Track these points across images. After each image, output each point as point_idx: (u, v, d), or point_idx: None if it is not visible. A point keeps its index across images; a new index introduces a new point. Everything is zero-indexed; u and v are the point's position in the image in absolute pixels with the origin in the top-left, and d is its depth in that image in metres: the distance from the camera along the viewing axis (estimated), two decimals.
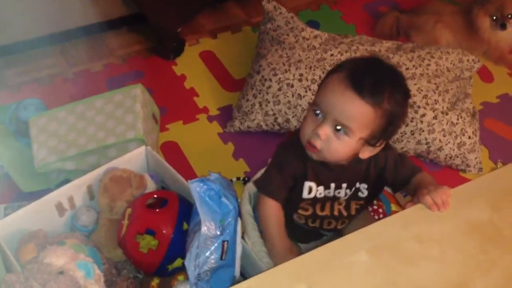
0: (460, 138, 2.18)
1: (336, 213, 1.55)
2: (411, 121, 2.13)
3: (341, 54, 2.23)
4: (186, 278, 1.45)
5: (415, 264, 1.22)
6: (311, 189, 1.48)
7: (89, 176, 1.66)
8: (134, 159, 1.73)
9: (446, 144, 2.16)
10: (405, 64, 2.21)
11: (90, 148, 1.94)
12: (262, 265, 1.42)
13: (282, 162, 1.48)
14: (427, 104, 2.15)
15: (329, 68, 1.44)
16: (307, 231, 1.60)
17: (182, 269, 1.45)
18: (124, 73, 2.55)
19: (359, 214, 1.60)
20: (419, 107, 2.14)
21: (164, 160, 1.73)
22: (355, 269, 1.20)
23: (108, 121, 1.99)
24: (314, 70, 2.19)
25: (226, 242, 1.39)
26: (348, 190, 1.51)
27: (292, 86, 2.18)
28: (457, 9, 2.75)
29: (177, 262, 1.49)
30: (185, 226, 1.49)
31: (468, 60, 2.36)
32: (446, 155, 2.18)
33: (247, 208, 1.59)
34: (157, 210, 1.52)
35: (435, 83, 2.22)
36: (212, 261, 1.38)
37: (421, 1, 2.88)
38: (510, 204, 1.35)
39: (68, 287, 1.26)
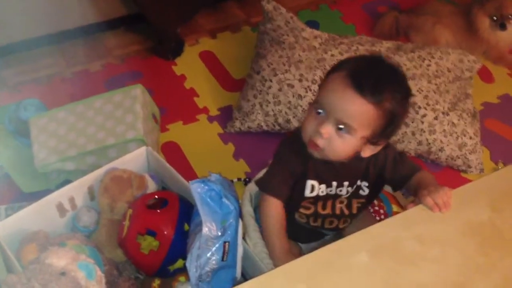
0: (461, 138, 2.18)
1: (337, 211, 1.55)
2: (412, 122, 2.14)
3: (341, 54, 2.23)
4: (187, 279, 1.46)
5: (416, 265, 1.22)
6: (313, 188, 1.48)
7: (89, 176, 1.66)
8: (135, 159, 1.73)
9: (447, 145, 2.16)
10: (405, 65, 2.21)
11: (90, 148, 1.94)
12: (263, 266, 1.42)
13: (283, 160, 1.48)
14: (427, 104, 2.15)
15: (329, 68, 1.44)
16: (309, 231, 1.60)
17: (183, 270, 1.46)
18: (123, 73, 2.55)
19: (361, 213, 1.60)
20: (419, 107, 2.14)
21: (164, 160, 1.73)
22: (356, 270, 1.20)
23: (108, 122, 1.99)
24: (315, 70, 2.19)
25: (227, 243, 1.39)
26: (349, 188, 1.51)
27: (293, 86, 2.18)
28: (456, 9, 2.75)
29: (178, 263, 1.49)
30: (186, 227, 1.49)
31: (468, 61, 2.36)
32: (447, 156, 2.18)
33: (248, 209, 1.59)
34: (158, 210, 1.52)
35: (436, 84, 2.22)
36: (213, 262, 1.38)
37: (420, 1, 2.88)
38: (511, 205, 1.35)
39: None
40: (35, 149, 1.96)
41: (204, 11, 2.83)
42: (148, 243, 1.47)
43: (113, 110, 2.01)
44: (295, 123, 2.19)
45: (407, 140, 2.16)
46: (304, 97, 2.16)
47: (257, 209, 1.64)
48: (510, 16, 2.58)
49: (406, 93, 1.39)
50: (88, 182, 1.66)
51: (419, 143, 2.16)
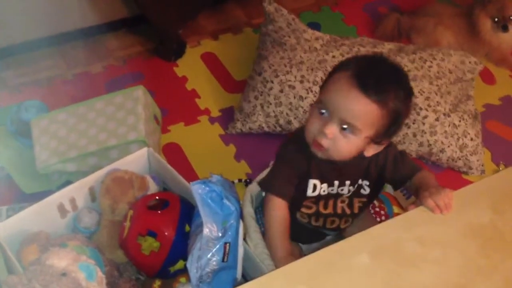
0: (462, 140, 2.18)
1: (339, 211, 1.55)
2: (413, 123, 2.13)
3: (343, 56, 2.23)
4: (188, 280, 1.45)
5: (417, 266, 1.22)
6: (316, 187, 1.48)
7: (91, 177, 1.66)
8: (136, 160, 1.73)
9: (448, 146, 2.16)
10: (407, 66, 2.21)
11: (91, 149, 1.94)
12: (264, 268, 1.42)
13: (287, 159, 1.48)
14: (429, 106, 2.15)
15: (330, 70, 1.44)
16: (310, 231, 1.60)
17: (184, 271, 1.45)
18: (124, 74, 2.55)
19: (362, 212, 1.60)
20: (421, 109, 2.14)
21: (165, 161, 1.73)
22: (357, 271, 1.20)
23: (109, 123, 1.99)
24: (316, 71, 2.19)
25: (228, 244, 1.39)
26: (351, 187, 1.51)
27: (294, 87, 2.18)
28: (458, 11, 2.76)
29: (179, 264, 1.49)
30: (187, 228, 1.49)
31: (470, 62, 2.36)
32: (448, 157, 2.18)
33: (249, 210, 1.59)
34: (159, 211, 1.52)
35: (437, 85, 2.22)
36: (214, 263, 1.37)
37: (421, 3, 2.88)
38: None
39: None
40: (37, 150, 1.96)
41: (205, 12, 2.84)
42: (149, 244, 1.47)
43: (115, 111, 2.01)
44: (296, 124, 2.19)
45: (408, 141, 2.16)
46: (305, 98, 2.16)
47: (258, 210, 1.64)
48: None
49: (408, 92, 1.39)
50: (89, 183, 1.66)
51: (420, 144, 2.16)
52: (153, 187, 1.68)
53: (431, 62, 2.28)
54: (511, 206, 1.35)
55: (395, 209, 1.78)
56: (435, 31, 2.67)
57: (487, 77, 2.64)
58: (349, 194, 1.53)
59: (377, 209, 1.76)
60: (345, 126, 1.33)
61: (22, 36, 2.55)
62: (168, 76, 2.56)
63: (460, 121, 2.19)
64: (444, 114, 2.17)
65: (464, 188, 1.41)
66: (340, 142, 1.35)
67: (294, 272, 1.20)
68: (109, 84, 2.47)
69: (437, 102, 2.17)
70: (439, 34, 2.66)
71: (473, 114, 2.29)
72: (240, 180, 2.10)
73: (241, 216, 1.45)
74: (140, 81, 2.46)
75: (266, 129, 2.25)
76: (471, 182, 1.82)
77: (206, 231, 1.38)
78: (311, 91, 2.16)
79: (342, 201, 1.54)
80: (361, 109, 1.31)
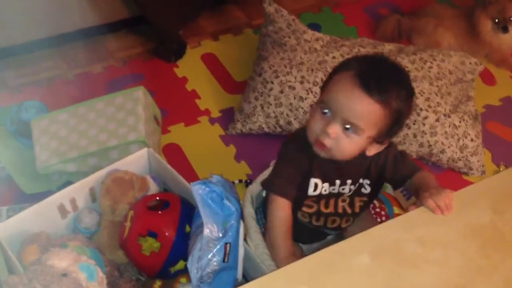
0: (463, 140, 2.18)
1: (340, 210, 1.55)
2: (414, 124, 2.14)
3: (343, 57, 2.23)
4: (189, 280, 1.45)
5: (417, 267, 1.22)
6: (317, 186, 1.48)
7: (91, 178, 1.66)
8: (136, 161, 1.73)
9: (449, 147, 2.16)
10: (407, 67, 2.21)
11: (91, 150, 1.94)
12: (265, 268, 1.42)
13: (289, 158, 1.48)
14: (429, 106, 2.15)
15: (331, 70, 1.44)
16: (311, 231, 1.60)
17: (185, 271, 1.46)
18: (124, 75, 2.55)
19: (363, 212, 1.60)
20: (421, 109, 2.14)
21: (166, 162, 1.73)
22: (357, 272, 1.20)
23: (109, 123, 1.99)
24: (316, 72, 2.19)
25: (228, 245, 1.39)
26: (352, 186, 1.52)
27: (294, 88, 2.18)
28: (458, 12, 2.76)
29: (180, 265, 1.49)
30: (187, 228, 1.49)
31: (470, 63, 2.37)
32: (449, 158, 2.18)
33: (249, 211, 1.59)
34: (159, 212, 1.52)
35: (437, 86, 2.22)
36: (215, 263, 1.37)
37: (422, 4, 2.88)
38: None
39: None
40: (37, 150, 1.96)
41: (206, 13, 2.84)
42: (149, 245, 1.47)
43: (115, 112, 2.01)
44: (296, 125, 2.19)
45: (408, 142, 2.16)
46: (305, 99, 2.16)
47: (258, 210, 1.64)
48: None
49: (410, 92, 1.40)
50: (89, 183, 1.66)
51: (421, 145, 2.16)
52: (153, 188, 1.68)
53: (431, 63, 2.28)
54: (511, 207, 1.35)
55: (396, 210, 1.78)
56: (435, 32, 2.67)
57: (488, 78, 2.64)
58: (350, 193, 1.53)
59: (378, 210, 1.76)
60: (348, 126, 1.34)
61: (22, 36, 2.55)
62: (168, 76, 2.56)
63: (460, 121, 2.19)
64: (445, 115, 2.17)
65: (464, 188, 1.41)
66: (343, 142, 1.35)
67: (295, 272, 1.20)
68: (109, 84, 2.47)
69: (438, 103, 2.17)
70: (439, 35, 2.66)
71: (474, 115, 2.29)
72: (240, 181, 2.10)
73: (241, 216, 1.45)
74: (140, 81, 2.46)
75: (266, 129, 2.25)
76: (471, 183, 1.81)
77: (206, 231, 1.38)
78: (311, 91, 2.16)
79: (343, 200, 1.54)
80: (364, 109, 1.32)
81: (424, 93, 2.17)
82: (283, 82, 2.19)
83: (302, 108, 2.17)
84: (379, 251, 1.24)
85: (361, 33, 2.82)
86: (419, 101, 2.14)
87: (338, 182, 1.49)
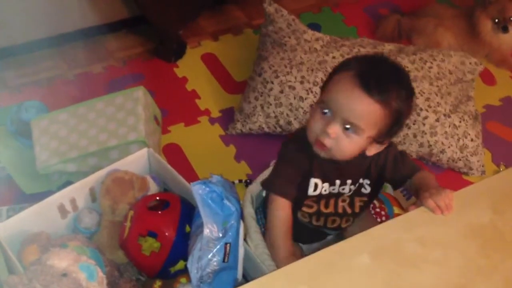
0: (463, 140, 2.18)
1: (340, 210, 1.55)
2: (414, 124, 2.14)
3: (343, 57, 2.23)
4: (189, 280, 1.45)
5: (417, 267, 1.22)
6: (317, 186, 1.48)
7: (91, 178, 1.66)
8: (136, 161, 1.73)
9: (449, 147, 2.16)
10: (407, 67, 2.21)
11: (91, 150, 1.94)
12: (264, 268, 1.42)
13: (289, 158, 1.48)
14: (429, 106, 2.15)
15: (331, 70, 1.44)
16: (311, 231, 1.60)
17: (185, 271, 1.46)
18: (124, 75, 2.55)
19: (363, 212, 1.60)
20: (421, 109, 2.14)
21: (166, 162, 1.73)
22: (357, 272, 1.20)
23: (109, 123, 1.99)
24: (316, 72, 2.19)
25: (228, 245, 1.39)
26: (352, 186, 1.52)
27: (294, 88, 2.18)
28: (458, 12, 2.76)
29: (180, 265, 1.49)
30: (187, 228, 1.49)
31: (470, 63, 2.37)
32: (449, 158, 2.18)
33: (249, 211, 1.59)
34: (159, 212, 1.52)
35: (437, 86, 2.22)
36: (215, 263, 1.37)
37: (422, 4, 2.88)
38: None
39: None
40: (37, 150, 1.96)
41: (205, 13, 2.84)
42: (149, 245, 1.47)
43: (115, 112, 2.02)
44: (296, 125, 2.19)
45: (408, 142, 2.16)
46: (305, 99, 2.16)
47: (258, 210, 1.64)
48: None
49: (410, 92, 1.40)
50: (89, 183, 1.66)
51: (421, 145, 2.16)
52: (153, 188, 1.68)
53: (431, 63, 2.28)
54: (511, 207, 1.35)
55: (396, 210, 1.78)
56: (435, 32, 2.67)
57: (488, 78, 2.64)
58: (350, 193, 1.53)
59: (378, 210, 1.76)
60: (348, 126, 1.34)
61: (22, 36, 2.55)
62: (168, 76, 2.56)
63: (460, 121, 2.19)
64: (445, 115, 2.17)
65: (464, 188, 1.41)
66: (343, 142, 1.35)
67: (295, 272, 1.20)
68: (109, 84, 2.47)
69: (438, 103, 2.17)
70: (439, 35, 2.66)
71: (474, 115, 2.29)
72: (240, 181, 2.10)
73: (241, 216, 1.45)
74: (140, 81, 2.46)
75: (266, 129, 2.25)
76: (471, 183, 1.81)
77: (206, 231, 1.38)
78: (311, 91, 2.16)
79: (343, 200, 1.54)
80: (364, 109, 1.32)
81: (424, 93, 2.17)
82: (283, 82, 2.19)
83: (302, 108, 2.17)
84: (379, 251, 1.24)
85: (361, 33, 2.82)
86: (419, 101, 2.14)
87: (338, 182, 1.49)
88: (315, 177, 1.47)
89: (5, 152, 2.12)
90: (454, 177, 2.21)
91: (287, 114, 2.19)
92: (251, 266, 1.47)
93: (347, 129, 1.34)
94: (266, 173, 1.62)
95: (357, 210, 1.57)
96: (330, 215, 1.55)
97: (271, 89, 2.20)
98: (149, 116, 2.05)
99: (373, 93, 1.31)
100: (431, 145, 2.16)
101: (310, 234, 1.63)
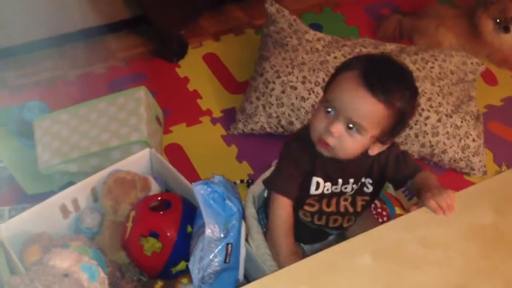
0: (464, 141, 2.18)
1: (342, 209, 1.55)
2: (415, 124, 2.13)
3: (344, 57, 2.23)
4: (190, 281, 1.45)
5: (419, 267, 1.22)
6: (319, 185, 1.49)
7: (93, 178, 1.66)
8: (138, 161, 1.73)
9: (450, 147, 2.16)
10: (409, 67, 2.21)
11: (93, 150, 1.94)
12: (266, 268, 1.42)
13: (291, 157, 1.48)
14: (431, 106, 2.15)
15: (332, 71, 1.44)
16: (313, 231, 1.60)
17: (186, 272, 1.46)
18: (126, 75, 2.55)
19: (365, 211, 1.61)
20: (423, 109, 2.14)
21: (168, 162, 1.73)
22: (359, 272, 1.20)
23: (111, 124, 1.99)
24: (318, 72, 2.19)
25: (230, 245, 1.39)
26: (354, 185, 1.52)
27: (296, 88, 2.18)
28: (459, 12, 2.76)
29: (181, 265, 1.49)
30: (189, 229, 1.49)
31: (472, 63, 2.37)
32: (450, 158, 2.18)
33: (251, 211, 1.59)
34: (161, 212, 1.52)
35: (439, 86, 2.22)
36: (216, 264, 1.38)
37: (423, 4, 2.88)
38: None
39: None
40: (39, 151, 1.96)
41: (207, 13, 2.84)
42: (151, 245, 1.47)
43: (117, 112, 2.02)
44: (298, 125, 2.19)
45: (410, 142, 2.16)
46: (307, 99, 2.16)
47: (260, 211, 1.64)
48: None
49: (414, 92, 1.40)
50: (91, 183, 1.66)
51: (422, 145, 2.16)
52: (155, 188, 1.69)
53: (433, 63, 2.28)
54: None
55: (397, 210, 1.78)
56: (437, 32, 2.67)
57: (489, 78, 2.64)
58: (352, 192, 1.53)
59: (379, 210, 1.76)
60: (351, 125, 1.34)
61: (22, 36, 2.55)
62: (170, 77, 2.56)
63: (462, 122, 2.19)
64: (446, 115, 2.17)
65: (466, 189, 1.40)
66: (346, 141, 1.36)
67: (296, 272, 1.20)
68: (111, 85, 2.47)
69: (439, 103, 2.17)
70: (441, 35, 2.66)
71: (475, 115, 2.29)
72: (242, 181, 2.10)
73: (243, 217, 1.45)
74: (142, 82, 2.46)
75: (268, 130, 2.25)
76: (473, 183, 1.81)
77: (208, 232, 1.38)
78: (313, 92, 2.16)
79: (345, 199, 1.54)
80: (368, 109, 1.32)
81: (425, 93, 2.17)
82: (285, 82, 2.19)
83: (304, 108, 2.17)
84: (380, 251, 1.24)
85: (363, 33, 2.82)
86: (421, 101, 2.14)
87: (340, 181, 1.50)
88: (317, 176, 1.47)
89: (7, 152, 2.12)
90: (456, 178, 2.21)
91: (289, 114, 2.19)
92: (252, 266, 1.47)
93: (350, 128, 1.34)
94: (268, 174, 1.61)
95: (359, 209, 1.57)
96: (332, 214, 1.56)
97: (272, 89, 2.20)
98: (151, 116, 2.05)
99: (377, 92, 1.31)
100: (432, 145, 2.16)
101: (312, 234, 1.63)
